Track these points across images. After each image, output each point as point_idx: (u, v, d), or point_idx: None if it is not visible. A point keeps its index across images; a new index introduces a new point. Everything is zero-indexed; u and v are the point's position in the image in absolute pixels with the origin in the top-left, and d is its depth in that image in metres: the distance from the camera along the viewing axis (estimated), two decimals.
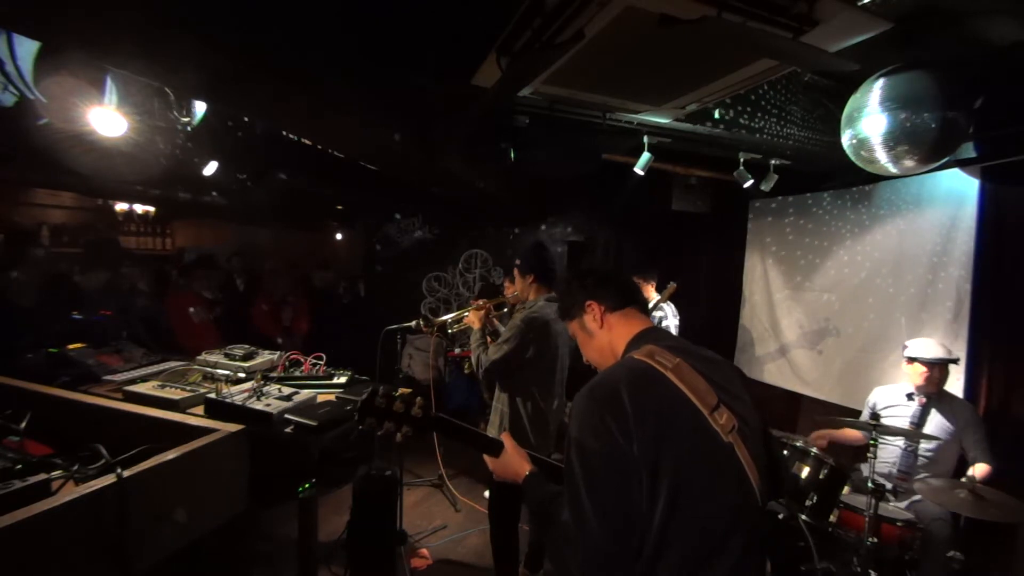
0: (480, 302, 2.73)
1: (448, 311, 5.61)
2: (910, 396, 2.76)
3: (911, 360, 2.73)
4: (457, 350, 4.89)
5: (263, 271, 5.28)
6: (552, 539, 1.03)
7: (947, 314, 3.12)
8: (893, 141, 2.29)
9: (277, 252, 6.02)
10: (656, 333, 1.19)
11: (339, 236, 7.19)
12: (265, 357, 2.68)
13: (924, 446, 2.65)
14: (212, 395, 2.07)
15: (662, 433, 0.94)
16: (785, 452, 2.55)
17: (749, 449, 1.00)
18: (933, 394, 2.70)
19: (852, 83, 2.45)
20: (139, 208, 5.11)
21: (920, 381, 2.68)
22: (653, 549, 0.91)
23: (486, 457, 1.31)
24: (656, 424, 0.94)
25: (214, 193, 4.65)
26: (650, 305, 3.72)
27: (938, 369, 2.66)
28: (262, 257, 5.78)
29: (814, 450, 2.49)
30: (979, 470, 2.50)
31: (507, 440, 1.29)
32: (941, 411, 2.67)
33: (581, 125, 2.78)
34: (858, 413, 3.04)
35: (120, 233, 5.06)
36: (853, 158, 2.56)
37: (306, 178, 4.37)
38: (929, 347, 2.71)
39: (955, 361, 2.70)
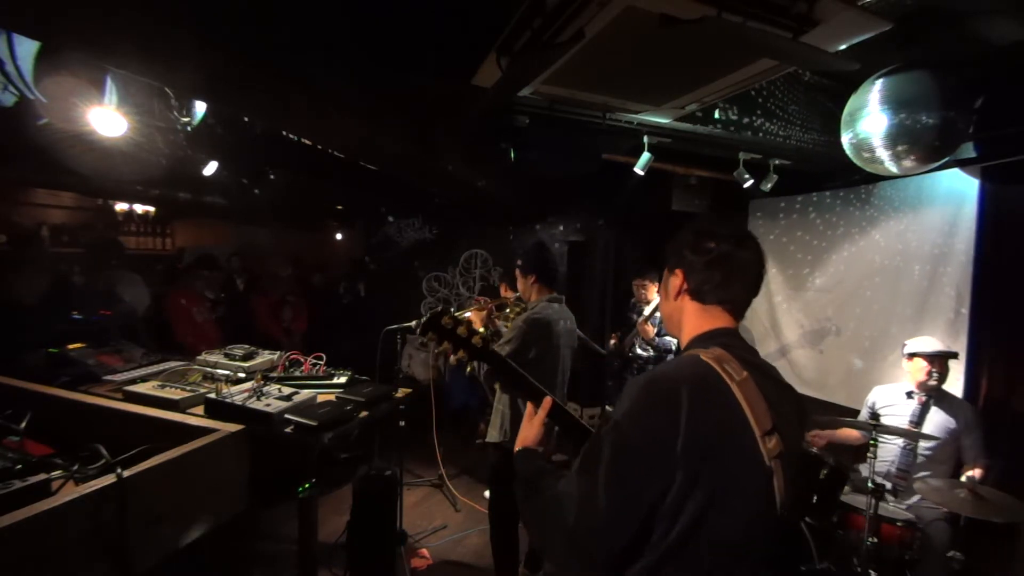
0: (482, 301, 2.72)
1: None
2: (909, 394, 2.77)
3: (911, 356, 2.74)
4: None
5: (264, 270, 5.28)
6: (540, 503, 1.03)
7: (947, 314, 3.12)
8: (893, 141, 2.30)
9: (277, 252, 6.01)
10: (730, 337, 1.07)
11: (339, 236, 7.19)
12: (265, 357, 2.68)
13: (923, 444, 2.65)
14: (212, 395, 2.07)
15: (712, 445, 0.91)
16: None
17: (785, 476, 0.97)
18: (933, 392, 2.70)
19: (852, 83, 2.45)
20: (139, 208, 5.11)
21: (922, 377, 2.68)
22: (666, 550, 0.90)
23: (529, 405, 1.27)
24: (708, 435, 0.91)
25: (215, 193, 4.64)
26: (651, 306, 3.71)
27: (939, 363, 2.67)
28: (262, 257, 5.77)
29: (814, 450, 2.49)
30: (976, 471, 2.50)
31: (545, 406, 1.23)
32: (940, 409, 2.67)
33: (581, 125, 2.77)
34: (858, 413, 3.04)
35: (120, 233, 5.05)
36: (853, 158, 2.57)
37: (306, 178, 4.37)
38: (928, 342, 2.74)
39: (955, 355, 2.71)
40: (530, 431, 1.23)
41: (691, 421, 0.89)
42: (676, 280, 1.12)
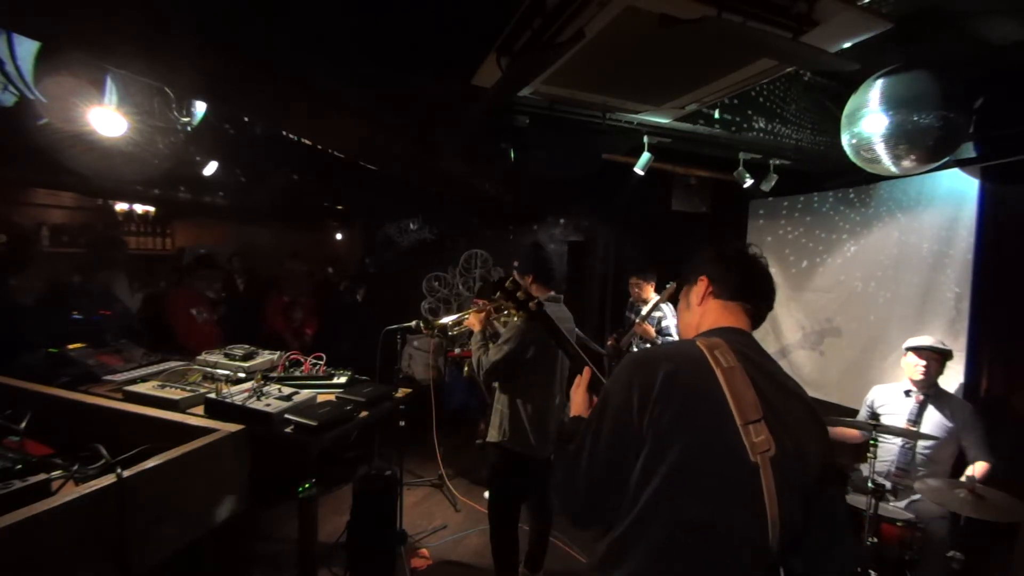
0: (481, 303, 2.72)
1: (448, 311, 5.63)
2: (907, 393, 2.78)
3: (906, 352, 2.78)
4: (457, 350, 4.89)
5: (279, 270, 5.26)
6: (557, 461, 1.18)
7: (947, 314, 3.12)
8: (893, 141, 2.29)
9: (278, 252, 6.01)
10: (739, 335, 1.11)
11: (339, 236, 7.19)
12: (265, 357, 2.68)
13: (922, 443, 2.65)
14: (212, 395, 2.08)
15: (680, 420, 0.95)
16: None
17: (777, 479, 0.93)
18: (930, 390, 2.71)
19: (852, 83, 2.45)
20: (139, 208, 5.10)
21: (913, 372, 2.72)
22: (634, 524, 0.94)
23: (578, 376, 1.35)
24: (678, 410, 0.95)
25: (215, 193, 4.64)
26: (649, 305, 3.71)
27: (927, 356, 2.69)
28: (262, 257, 5.77)
29: None
30: (978, 468, 2.50)
31: (585, 375, 1.31)
32: (938, 408, 2.68)
33: (581, 125, 2.77)
34: (858, 413, 3.04)
35: (121, 233, 5.04)
36: (853, 158, 2.56)
37: (306, 178, 4.37)
38: (924, 339, 2.76)
39: (949, 354, 2.72)
40: (576, 398, 1.31)
41: (663, 394, 0.95)
42: (700, 286, 1.21)
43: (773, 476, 0.93)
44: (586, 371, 1.31)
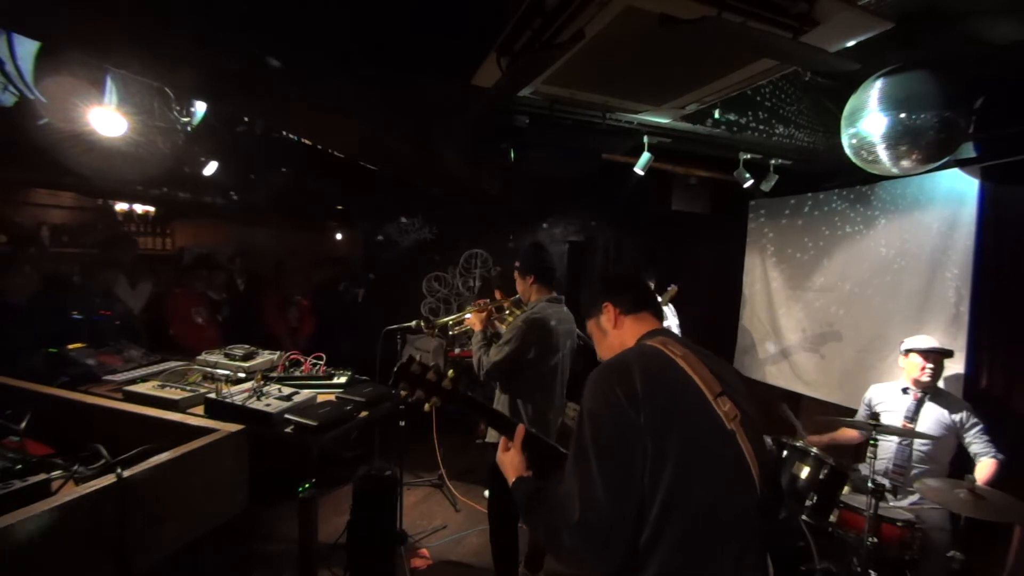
0: (481, 303, 2.72)
1: (448, 311, 5.62)
2: (904, 391, 2.78)
3: (907, 353, 2.78)
4: (457, 350, 4.89)
5: (273, 270, 5.27)
6: (545, 512, 1.07)
7: (947, 314, 3.12)
8: (893, 141, 2.29)
9: (278, 252, 6.01)
10: (665, 332, 1.25)
11: (339, 236, 7.19)
12: (265, 357, 2.68)
13: (919, 440, 2.66)
14: (212, 395, 2.08)
15: (669, 409, 1.00)
16: (785, 453, 2.55)
17: (750, 441, 1.05)
18: (929, 388, 2.71)
19: (852, 83, 2.45)
20: (139, 208, 5.10)
21: (917, 373, 2.71)
22: (655, 524, 0.95)
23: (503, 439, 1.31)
24: (664, 400, 1.01)
25: (215, 193, 4.64)
26: None
27: (934, 359, 2.69)
28: (262, 257, 5.77)
29: (814, 450, 2.49)
30: (985, 466, 2.50)
31: (519, 434, 1.27)
32: (936, 405, 2.69)
33: (581, 125, 2.77)
34: (856, 412, 3.04)
35: (131, 233, 5.04)
36: (853, 158, 2.56)
37: (306, 178, 4.37)
38: (924, 339, 2.77)
39: (950, 353, 2.73)
40: (513, 460, 1.25)
41: (646, 390, 1.00)
42: (608, 312, 1.31)
43: (747, 437, 1.05)
44: (520, 428, 1.27)
